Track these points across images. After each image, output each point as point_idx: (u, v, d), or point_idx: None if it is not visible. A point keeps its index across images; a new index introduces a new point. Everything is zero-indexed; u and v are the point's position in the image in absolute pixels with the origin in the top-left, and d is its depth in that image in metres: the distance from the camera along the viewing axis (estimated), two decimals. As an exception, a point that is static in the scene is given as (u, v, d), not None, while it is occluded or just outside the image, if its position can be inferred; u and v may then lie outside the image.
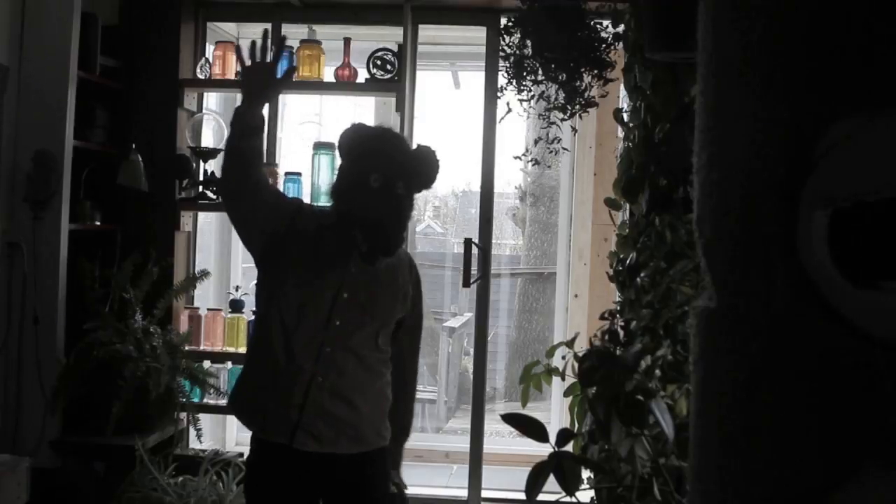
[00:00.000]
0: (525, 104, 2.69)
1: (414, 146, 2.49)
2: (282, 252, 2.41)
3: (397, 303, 2.48)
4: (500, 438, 4.84)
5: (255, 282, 2.63)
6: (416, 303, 2.55)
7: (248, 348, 2.93)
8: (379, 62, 3.93)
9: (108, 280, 3.55)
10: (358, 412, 2.40)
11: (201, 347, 3.96)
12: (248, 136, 2.36)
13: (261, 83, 2.38)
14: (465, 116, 4.60)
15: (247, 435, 4.53)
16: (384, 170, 2.36)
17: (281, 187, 4.01)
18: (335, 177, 2.51)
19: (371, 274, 2.41)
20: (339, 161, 2.52)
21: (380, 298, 2.44)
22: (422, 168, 2.43)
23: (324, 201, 3.51)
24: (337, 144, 2.48)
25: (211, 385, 3.71)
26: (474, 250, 4.04)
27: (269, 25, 3.97)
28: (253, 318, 3.14)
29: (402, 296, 2.49)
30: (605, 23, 2.64)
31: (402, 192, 2.38)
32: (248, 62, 2.39)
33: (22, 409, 3.51)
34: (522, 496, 1.45)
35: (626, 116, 2.57)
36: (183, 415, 3.70)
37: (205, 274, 3.86)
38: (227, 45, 4.11)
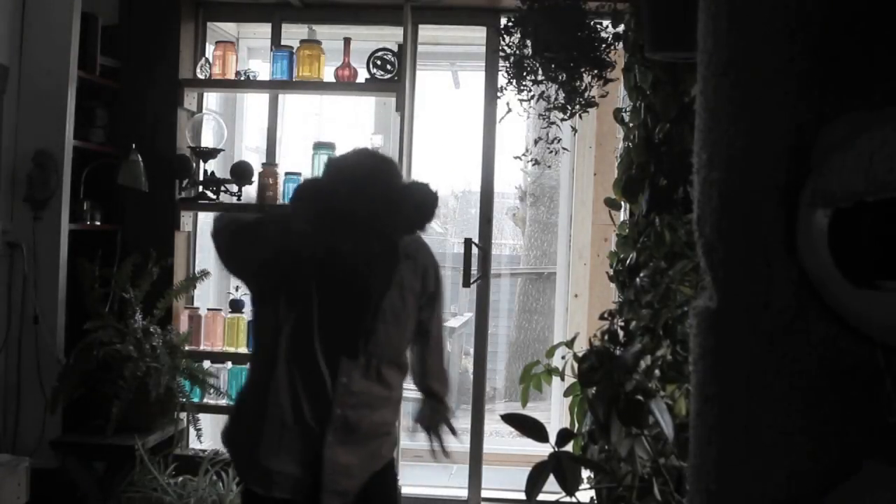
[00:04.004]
0: (525, 104, 2.69)
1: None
2: None
3: None
4: (500, 438, 4.84)
5: None
6: None
7: None
8: (379, 62, 3.93)
9: (108, 280, 3.55)
10: None
11: (201, 347, 3.96)
12: None
13: None
14: (465, 116, 4.59)
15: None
16: None
17: (281, 187, 4.01)
18: None
19: None
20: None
21: None
22: None
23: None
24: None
25: (211, 385, 3.71)
26: (474, 250, 4.04)
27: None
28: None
29: None
30: (605, 23, 2.64)
31: None
32: None
33: (22, 409, 3.51)
34: (522, 496, 1.44)
35: (626, 116, 2.56)
36: (183, 415, 3.70)
37: (205, 274, 3.86)
38: (227, 45, 4.10)
